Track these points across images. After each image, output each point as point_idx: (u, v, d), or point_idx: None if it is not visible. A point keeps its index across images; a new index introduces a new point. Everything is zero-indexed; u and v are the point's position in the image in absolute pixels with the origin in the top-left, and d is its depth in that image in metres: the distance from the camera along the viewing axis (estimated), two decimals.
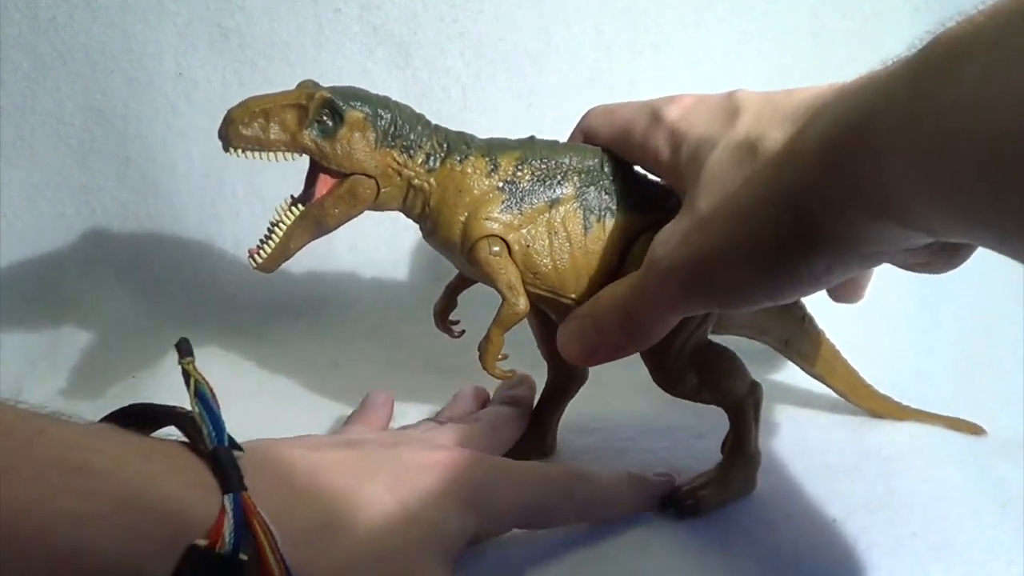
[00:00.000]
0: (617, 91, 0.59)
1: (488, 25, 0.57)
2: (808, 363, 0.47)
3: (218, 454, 0.27)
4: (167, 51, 0.55)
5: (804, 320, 0.45)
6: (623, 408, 0.44)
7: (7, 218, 0.55)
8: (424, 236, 0.39)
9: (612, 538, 0.37)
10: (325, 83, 0.37)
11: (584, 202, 0.37)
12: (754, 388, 0.40)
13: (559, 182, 0.37)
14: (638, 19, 0.59)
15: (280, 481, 0.30)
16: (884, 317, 0.54)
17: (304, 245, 0.37)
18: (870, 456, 0.46)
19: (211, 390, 0.29)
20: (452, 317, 0.43)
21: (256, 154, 0.35)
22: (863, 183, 0.25)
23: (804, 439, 0.47)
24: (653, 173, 0.38)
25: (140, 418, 0.29)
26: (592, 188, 0.38)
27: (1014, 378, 0.56)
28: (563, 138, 0.40)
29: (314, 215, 0.36)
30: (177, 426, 0.29)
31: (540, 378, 0.45)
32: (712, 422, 0.41)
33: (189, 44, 0.55)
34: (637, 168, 0.39)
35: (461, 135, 0.38)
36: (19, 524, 0.23)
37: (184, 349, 0.30)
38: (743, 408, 0.39)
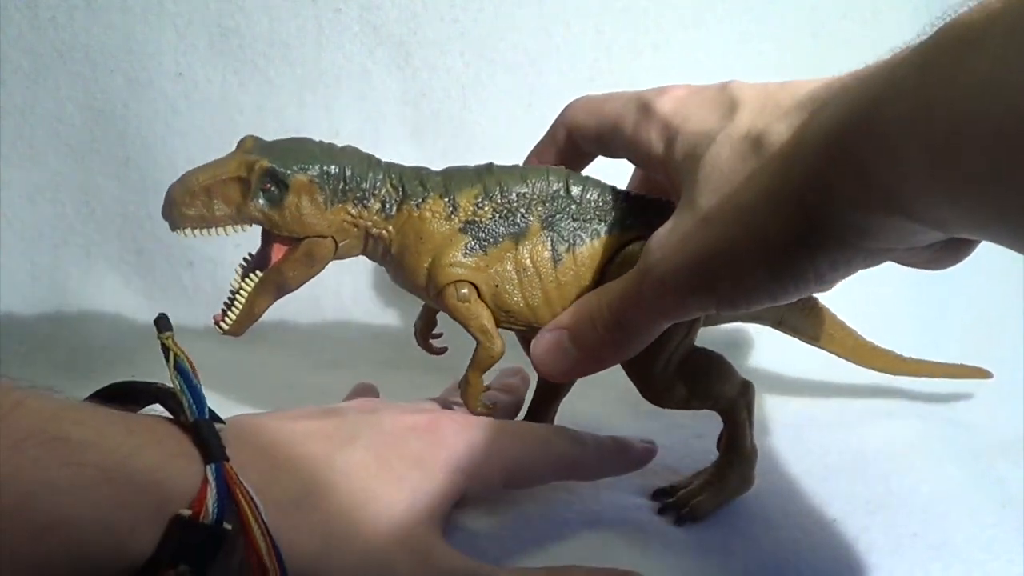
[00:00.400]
0: (617, 91, 0.59)
1: (488, 25, 0.57)
2: (804, 335, 0.47)
3: (199, 425, 0.27)
4: (167, 51, 0.55)
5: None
6: (620, 408, 0.44)
7: (7, 218, 0.55)
8: (391, 279, 0.38)
9: (612, 538, 0.37)
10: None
11: (551, 233, 0.36)
12: (745, 388, 0.39)
13: (523, 215, 0.36)
14: (638, 19, 0.59)
15: (261, 451, 0.30)
16: (883, 314, 0.54)
17: (270, 306, 0.36)
18: (870, 456, 0.46)
19: (191, 364, 0.29)
20: (436, 331, 0.42)
21: (204, 232, 0.34)
22: (872, 175, 0.24)
23: (804, 439, 0.47)
24: (644, 168, 0.36)
25: (123, 396, 0.29)
26: (559, 217, 0.36)
27: (1014, 376, 0.56)
28: None
29: (273, 281, 0.36)
30: (159, 401, 0.29)
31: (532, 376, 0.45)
32: (710, 421, 0.41)
33: (189, 44, 0.55)
34: (606, 182, 0.37)
35: (416, 172, 0.36)
36: (0, 496, 0.22)
37: (163, 324, 0.29)
38: (735, 410, 0.38)
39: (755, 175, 0.29)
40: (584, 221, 0.36)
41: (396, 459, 0.32)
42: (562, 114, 0.39)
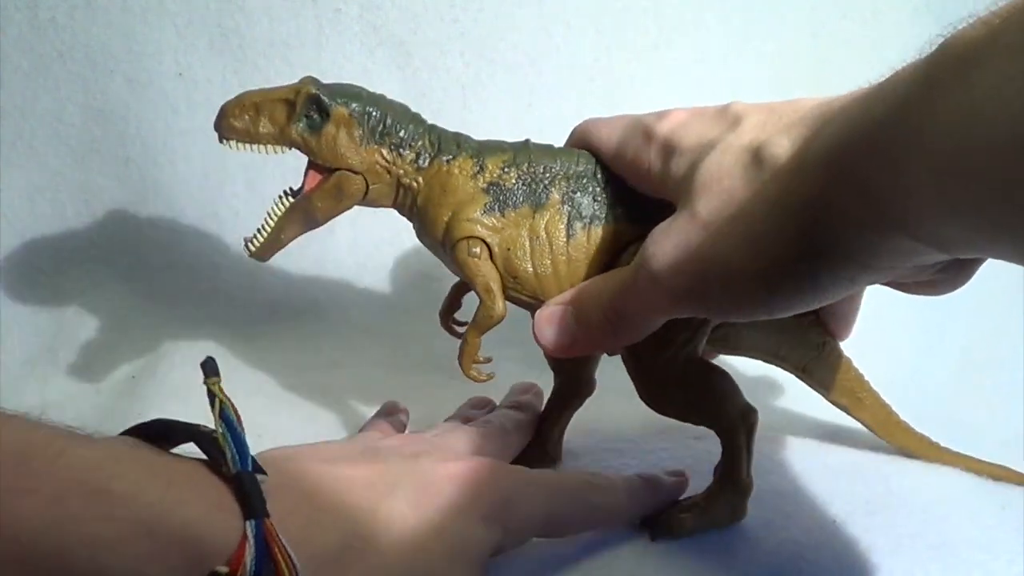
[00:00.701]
0: (617, 91, 0.59)
1: (488, 25, 0.57)
2: (830, 392, 0.45)
3: (241, 479, 0.27)
4: (167, 51, 0.55)
5: (823, 346, 0.43)
6: (621, 409, 0.44)
7: (7, 218, 0.55)
8: (416, 235, 0.39)
9: (611, 539, 0.37)
10: (325, 82, 0.37)
11: (570, 209, 0.37)
12: (747, 414, 0.37)
13: (546, 187, 0.37)
14: (638, 19, 0.59)
15: (301, 502, 0.29)
16: (882, 315, 0.54)
17: (296, 236, 0.38)
18: (870, 456, 0.46)
19: (236, 412, 0.28)
20: (459, 318, 0.43)
21: (248, 146, 0.37)
22: (874, 193, 0.24)
23: (804, 439, 0.47)
24: (642, 189, 0.36)
25: (161, 433, 0.28)
26: (580, 195, 0.37)
27: (1014, 376, 0.56)
28: (563, 137, 0.40)
29: (303, 208, 0.37)
30: (198, 445, 0.28)
31: (545, 386, 0.44)
32: None
33: (189, 44, 0.55)
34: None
35: (456, 136, 0.38)
36: (38, 546, 0.23)
37: (209, 368, 0.29)
38: (734, 434, 0.37)
39: (756, 187, 0.29)
40: (603, 204, 0.37)
41: (435, 511, 0.31)
42: (570, 135, 0.40)
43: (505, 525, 0.33)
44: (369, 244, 0.58)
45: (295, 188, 0.38)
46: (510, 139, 0.39)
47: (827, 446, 0.47)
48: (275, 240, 0.38)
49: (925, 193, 0.23)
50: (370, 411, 0.47)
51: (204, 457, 0.28)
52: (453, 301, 0.43)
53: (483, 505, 0.32)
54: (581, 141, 0.39)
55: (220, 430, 0.27)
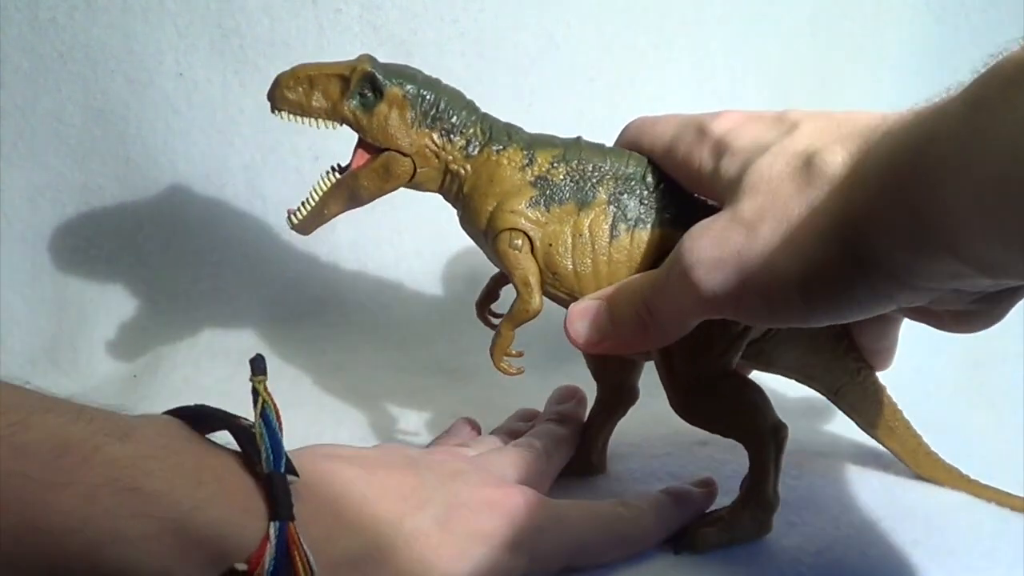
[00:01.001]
0: (617, 91, 0.59)
1: (488, 25, 0.57)
2: (862, 419, 0.44)
3: (273, 480, 0.27)
4: (167, 51, 0.55)
5: (858, 372, 0.43)
6: (627, 414, 0.44)
7: (7, 218, 0.55)
8: (459, 222, 0.39)
9: (634, 554, 0.36)
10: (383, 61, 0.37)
11: (616, 210, 0.36)
12: (778, 429, 0.37)
13: (593, 186, 0.37)
14: (638, 19, 0.59)
15: (328, 506, 0.29)
16: None
17: (339, 213, 0.38)
18: (871, 463, 0.46)
19: (277, 413, 0.28)
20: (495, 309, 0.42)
21: (300, 119, 0.37)
22: (921, 212, 0.24)
23: (804, 446, 0.47)
24: (692, 188, 0.36)
25: (201, 418, 0.29)
26: (627, 197, 0.37)
27: (1013, 379, 0.56)
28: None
29: (348, 185, 0.37)
30: (234, 436, 0.28)
31: (553, 377, 0.44)
32: None
33: (189, 44, 0.55)
34: (677, 183, 0.37)
35: (508, 127, 0.38)
36: (70, 541, 0.23)
37: (258, 367, 0.29)
38: (764, 449, 0.37)
39: (806, 195, 0.28)
40: (650, 208, 0.37)
41: (463, 534, 0.31)
42: (621, 133, 0.39)
43: (531, 556, 0.33)
44: (372, 245, 0.58)
45: (343, 165, 0.38)
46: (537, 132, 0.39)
47: (830, 458, 0.47)
48: (318, 215, 0.38)
49: (971, 214, 0.23)
50: (372, 413, 0.47)
51: (238, 449, 0.28)
52: (491, 292, 0.43)
53: (511, 534, 0.32)
54: (632, 139, 0.38)
55: (259, 429, 0.28)
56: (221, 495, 0.26)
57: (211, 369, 0.53)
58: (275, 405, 0.29)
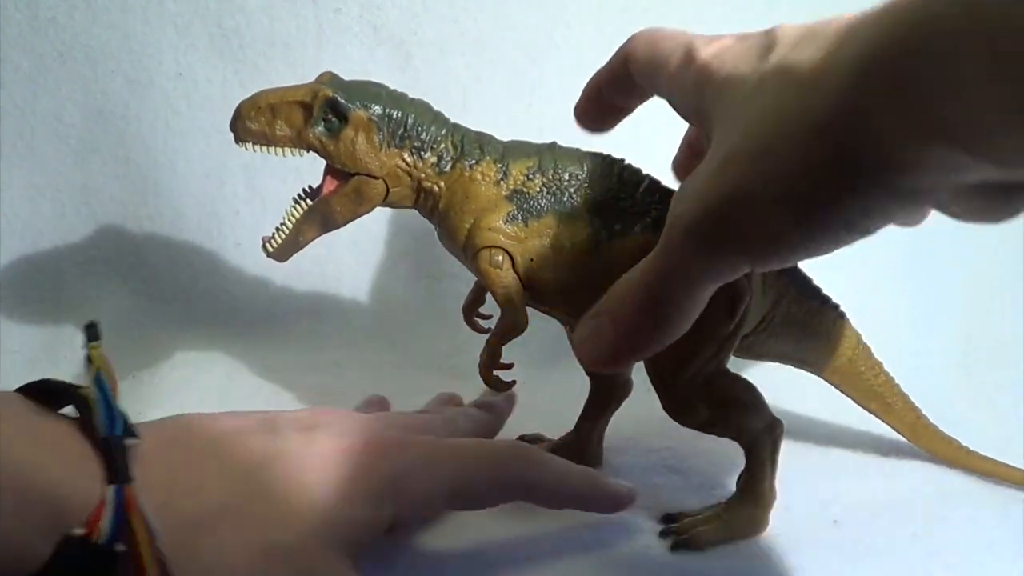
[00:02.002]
0: None
1: (488, 25, 0.57)
2: (859, 398, 0.45)
3: (109, 443, 0.27)
4: (167, 51, 0.55)
5: (853, 351, 0.43)
6: (622, 408, 0.44)
7: (7, 218, 0.55)
8: (438, 238, 0.39)
9: (627, 549, 0.36)
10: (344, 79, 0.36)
11: (596, 218, 0.36)
12: (773, 426, 0.37)
13: (571, 195, 0.36)
14: (638, 19, 0.59)
15: (174, 467, 0.29)
16: (881, 313, 0.54)
17: (315, 238, 0.38)
18: (870, 456, 0.46)
19: (112, 376, 0.28)
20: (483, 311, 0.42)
21: (264, 149, 0.36)
22: (921, 95, 0.21)
23: (804, 440, 0.47)
24: (682, 114, 0.34)
25: (47, 393, 0.28)
26: (607, 204, 0.36)
27: (1014, 376, 0.56)
28: (569, 138, 0.40)
29: (321, 211, 0.37)
30: (76, 407, 0.28)
31: (549, 375, 0.44)
32: None
33: (189, 44, 0.55)
34: (659, 180, 0.37)
35: (480, 137, 0.37)
36: None
37: (92, 333, 0.29)
38: (758, 446, 0.37)
39: (778, 107, 0.25)
40: (632, 214, 0.36)
41: (316, 485, 0.31)
42: (626, 42, 0.37)
43: (399, 500, 0.32)
44: (369, 244, 0.58)
45: (313, 187, 0.37)
46: (510, 140, 0.39)
47: (828, 446, 0.47)
48: (293, 242, 0.37)
49: (984, 94, 0.20)
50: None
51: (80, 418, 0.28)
52: (477, 296, 0.42)
53: (370, 480, 0.32)
54: (632, 51, 0.36)
55: (93, 395, 0.28)
56: (58, 458, 0.26)
57: (211, 369, 0.53)
58: (111, 371, 0.28)
